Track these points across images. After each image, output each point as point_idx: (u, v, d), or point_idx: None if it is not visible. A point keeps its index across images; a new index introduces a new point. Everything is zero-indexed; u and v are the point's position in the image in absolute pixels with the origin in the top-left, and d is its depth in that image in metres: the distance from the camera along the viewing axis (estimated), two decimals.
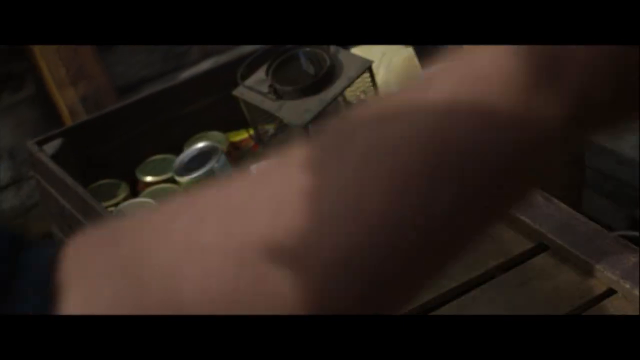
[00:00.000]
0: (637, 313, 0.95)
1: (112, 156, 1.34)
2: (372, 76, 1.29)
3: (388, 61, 1.45)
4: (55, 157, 1.26)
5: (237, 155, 1.40)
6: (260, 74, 1.30)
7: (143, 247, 0.44)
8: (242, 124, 1.37)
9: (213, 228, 0.43)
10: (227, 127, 1.43)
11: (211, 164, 1.28)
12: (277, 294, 0.41)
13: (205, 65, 1.92)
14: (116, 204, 1.25)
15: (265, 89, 1.27)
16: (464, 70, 0.41)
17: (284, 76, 1.27)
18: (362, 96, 1.23)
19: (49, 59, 1.77)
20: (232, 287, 0.42)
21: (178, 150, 1.35)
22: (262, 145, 1.36)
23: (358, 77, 1.26)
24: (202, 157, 1.30)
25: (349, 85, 1.25)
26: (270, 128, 1.36)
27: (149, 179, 1.34)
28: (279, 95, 1.25)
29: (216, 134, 1.41)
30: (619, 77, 0.39)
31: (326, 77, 1.24)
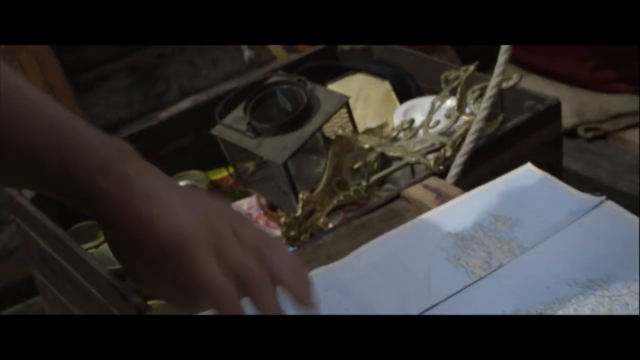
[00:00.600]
0: None
1: None
2: (349, 111, 1.29)
3: (365, 96, 1.46)
4: (35, 200, 1.26)
5: (218, 194, 1.40)
6: (238, 112, 1.31)
7: None
8: (222, 162, 1.37)
9: None
10: (207, 165, 1.44)
11: None
12: None
13: (184, 104, 1.93)
14: (97, 246, 1.25)
15: (243, 126, 1.27)
16: None
17: (261, 114, 1.28)
18: (340, 131, 1.24)
19: None
20: None
21: None
22: (242, 183, 1.36)
23: (335, 112, 1.26)
24: None
25: (326, 121, 1.25)
26: (250, 165, 1.36)
27: None
28: (257, 133, 1.26)
29: (196, 173, 1.41)
30: None
31: (303, 113, 1.25)
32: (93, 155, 0.71)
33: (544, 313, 0.80)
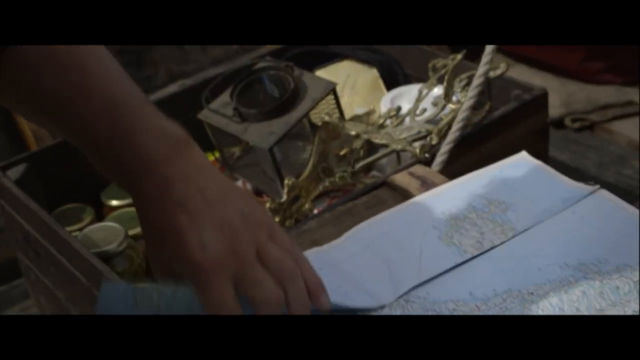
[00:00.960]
0: None
1: (77, 181, 1.34)
2: (336, 98, 1.29)
3: (353, 83, 1.46)
4: (19, 182, 1.25)
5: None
6: (225, 97, 1.30)
7: None
8: (208, 147, 1.37)
9: None
10: None
11: None
12: None
13: (172, 89, 1.92)
14: (81, 229, 1.25)
15: (229, 112, 1.27)
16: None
17: (248, 99, 1.28)
18: (327, 118, 1.24)
19: None
20: None
21: None
22: (228, 168, 1.36)
23: (322, 99, 1.26)
24: None
25: (313, 107, 1.25)
26: (236, 151, 1.36)
27: (114, 202, 1.33)
28: (243, 118, 1.25)
29: None
30: None
31: (290, 99, 1.24)
32: (142, 151, 0.72)
33: (535, 293, 0.80)
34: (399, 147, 1.18)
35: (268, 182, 1.27)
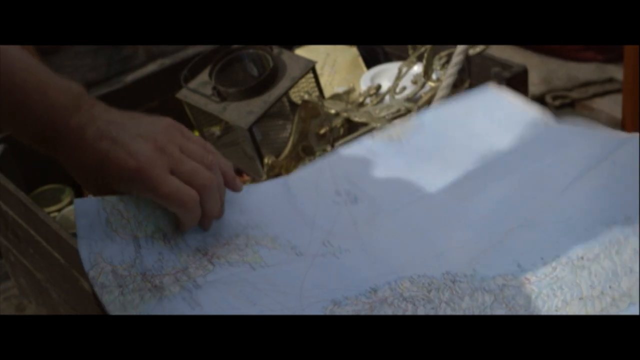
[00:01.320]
0: None
1: (55, 161, 1.33)
2: (315, 77, 1.29)
3: (332, 62, 1.45)
4: None
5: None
6: (204, 76, 1.30)
7: None
8: (188, 127, 1.35)
9: None
10: None
11: None
12: None
13: (151, 68, 1.91)
14: (60, 209, 1.24)
15: (208, 91, 1.26)
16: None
17: (227, 78, 1.27)
18: (306, 97, 1.23)
19: None
20: None
21: None
22: None
23: (302, 77, 1.26)
24: None
25: (292, 86, 1.25)
26: (216, 130, 1.36)
27: None
28: (222, 97, 1.25)
29: None
30: None
31: (269, 78, 1.24)
32: (56, 105, 0.83)
33: (585, 257, 0.78)
34: (378, 125, 1.18)
35: (248, 162, 1.27)
